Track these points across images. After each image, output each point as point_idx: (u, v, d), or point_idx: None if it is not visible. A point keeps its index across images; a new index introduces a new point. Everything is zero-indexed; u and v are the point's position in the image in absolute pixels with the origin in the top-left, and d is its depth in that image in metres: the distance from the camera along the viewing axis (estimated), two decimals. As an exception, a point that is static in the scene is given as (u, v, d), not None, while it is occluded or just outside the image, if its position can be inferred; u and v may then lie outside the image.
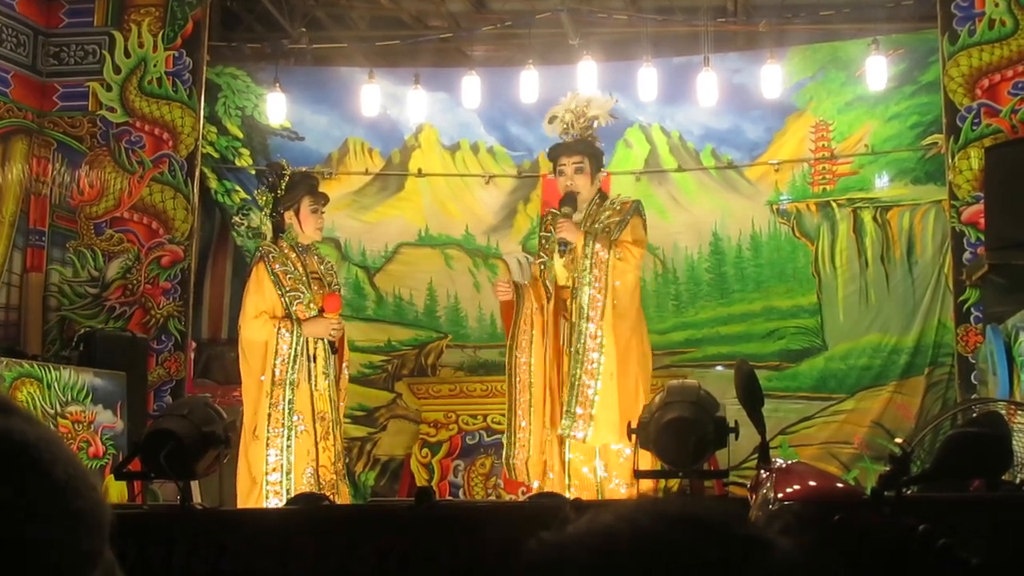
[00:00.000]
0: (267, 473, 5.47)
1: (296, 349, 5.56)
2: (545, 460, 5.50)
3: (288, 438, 5.50)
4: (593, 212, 5.60)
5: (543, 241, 5.77)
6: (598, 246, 5.41)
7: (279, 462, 5.49)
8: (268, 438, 5.50)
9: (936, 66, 7.59)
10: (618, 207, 5.60)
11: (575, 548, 0.90)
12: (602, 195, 5.71)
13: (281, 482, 5.45)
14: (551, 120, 5.84)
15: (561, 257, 5.54)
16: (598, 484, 5.40)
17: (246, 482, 5.54)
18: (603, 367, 5.41)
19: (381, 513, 4.00)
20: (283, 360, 5.54)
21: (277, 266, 5.65)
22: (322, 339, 5.65)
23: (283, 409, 5.51)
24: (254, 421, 5.54)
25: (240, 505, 5.54)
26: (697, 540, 0.89)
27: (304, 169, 7.06)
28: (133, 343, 7.50)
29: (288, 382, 5.53)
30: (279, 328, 5.55)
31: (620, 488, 5.37)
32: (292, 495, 5.22)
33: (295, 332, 5.56)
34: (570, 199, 5.56)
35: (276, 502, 5.37)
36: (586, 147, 5.65)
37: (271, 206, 5.80)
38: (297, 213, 5.74)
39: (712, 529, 0.90)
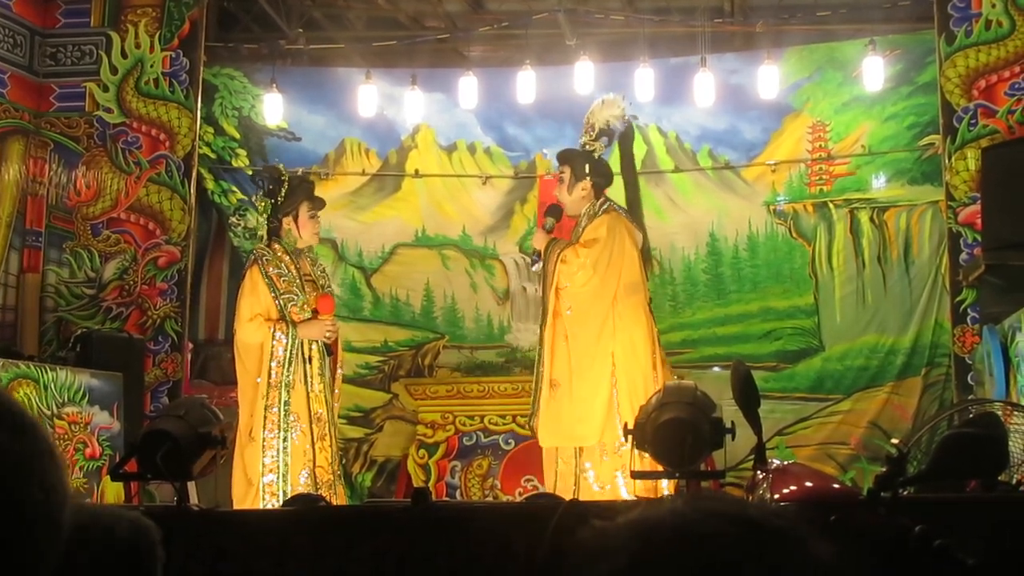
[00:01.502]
0: (263, 475, 5.47)
1: (291, 351, 5.56)
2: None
3: (284, 440, 5.50)
4: (583, 221, 5.67)
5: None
6: (555, 253, 5.52)
7: (275, 464, 5.49)
8: (264, 440, 5.50)
9: (933, 67, 7.60)
10: (596, 209, 5.63)
11: (626, 537, 0.94)
12: (600, 201, 5.68)
13: (277, 484, 5.45)
14: None
15: (533, 266, 5.63)
16: (575, 479, 5.42)
17: (242, 484, 5.54)
18: (546, 372, 5.49)
19: (378, 514, 3.99)
20: (278, 362, 5.54)
21: (271, 269, 5.66)
22: (317, 341, 5.65)
23: (279, 411, 5.52)
24: (250, 423, 5.55)
25: (236, 507, 5.54)
26: (743, 537, 0.91)
27: (301, 171, 7.08)
28: (130, 344, 7.49)
29: (284, 384, 5.53)
30: (274, 330, 5.56)
31: (601, 488, 5.38)
32: (288, 497, 5.23)
33: (290, 334, 5.56)
34: (551, 210, 5.72)
35: (272, 504, 5.36)
36: (570, 156, 5.73)
37: (270, 212, 5.81)
38: (296, 219, 5.76)
39: (761, 528, 0.93)
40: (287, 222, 5.76)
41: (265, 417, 5.51)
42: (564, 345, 5.49)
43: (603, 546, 0.94)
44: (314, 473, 5.54)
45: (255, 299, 5.63)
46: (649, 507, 0.97)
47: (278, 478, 5.46)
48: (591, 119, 5.76)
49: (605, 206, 5.61)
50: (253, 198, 6.76)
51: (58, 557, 1.00)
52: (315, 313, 5.69)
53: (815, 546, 0.94)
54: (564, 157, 5.76)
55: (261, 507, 5.32)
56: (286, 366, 5.54)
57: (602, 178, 5.72)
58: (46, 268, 7.82)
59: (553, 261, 5.50)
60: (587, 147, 5.73)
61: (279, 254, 5.73)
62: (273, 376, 5.54)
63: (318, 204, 5.86)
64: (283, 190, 5.75)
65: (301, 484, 5.45)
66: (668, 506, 0.96)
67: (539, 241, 5.63)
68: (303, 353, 5.60)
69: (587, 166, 5.65)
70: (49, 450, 1.01)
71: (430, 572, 3.49)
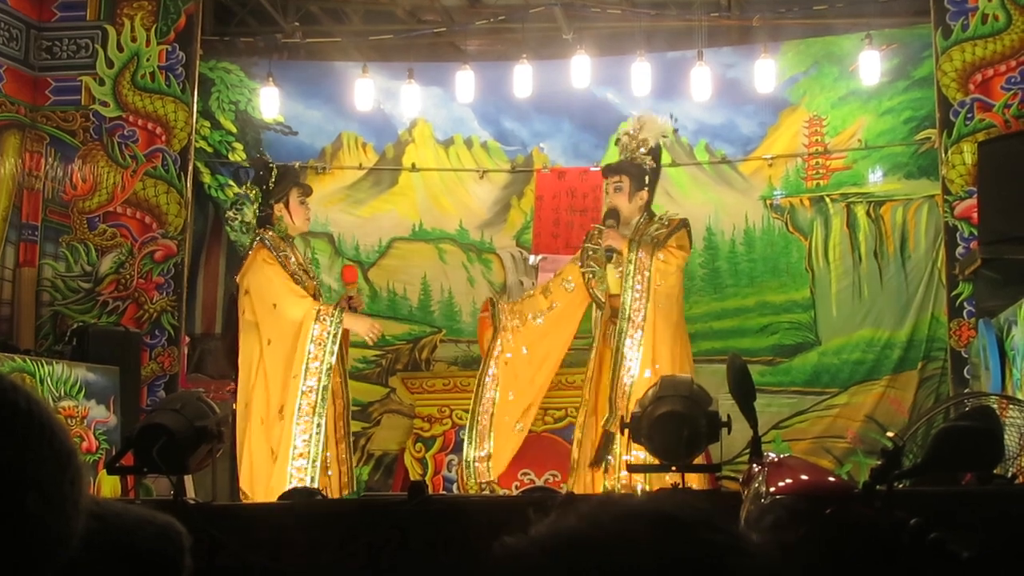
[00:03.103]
0: (293, 459, 5.48)
1: (334, 336, 5.61)
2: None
3: (318, 426, 5.53)
4: (642, 227, 5.94)
5: (590, 252, 6.08)
6: (642, 252, 5.76)
7: (307, 448, 5.51)
8: (297, 422, 5.51)
9: (929, 61, 7.60)
10: (666, 222, 5.98)
11: (536, 553, 0.87)
12: (651, 213, 6.03)
13: (306, 469, 5.48)
14: (617, 141, 6.29)
15: (609, 263, 5.85)
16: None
17: (263, 457, 5.55)
18: (640, 366, 5.68)
19: (374, 507, 3.99)
20: (318, 344, 5.59)
21: (276, 252, 5.77)
22: (341, 322, 5.68)
23: (317, 395, 5.56)
24: (281, 399, 5.56)
25: (251, 484, 5.55)
26: (659, 540, 0.86)
27: (297, 164, 7.09)
28: (126, 338, 7.49)
29: (325, 369, 5.58)
30: (319, 313, 5.60)
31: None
32: (315, 482, 5.29)
33: (335, 319, 5.61)
34: (611, 213, 5.99)
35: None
36: (626, 168, 6.03)
37: (261, 200, 5.89)
38: (287, 205, 5.88)
39: (676, 529, 0.87)
40: (279, 209, 5.89)
41: (301, 395, 5.53)
42: (652, 337, 5.75)
43: (516, 566, 0.87)
44: (337, 449, 5.65)
45: (278, 268, 5.70)
46: (560, 518, 0.89)
47: (308, 463, 5.49)
48: (641, 135, 6.06)
49: (683, 221, 6.02)
50: (243, 188, 6.79)
51: (59, 567, 0.97)
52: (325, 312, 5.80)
53: (747, 539, 0.89)
54: (621, 168, 6.06)
55: (287, 487, 5.26)
56: (327, 347, 5.58)
57: (654, 187, 6.15)
58: (42, 262, 7.81)
59: (648, 257, 5.75)
60: (636, 160, 6.02)
61: (277, 241, 5.84)
62: (311, 356, 5.57)
63: (306, 191, 6.02)
64: (272, 177, 5.86)
65: (322, 464, 5.51)
66: (580, 514, 0.88)
67: (617, 240, 5.84)
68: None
69: (646, 177, 6.03)
70: (57, 456, 0.97)
71: (426, 565, 3.49)
